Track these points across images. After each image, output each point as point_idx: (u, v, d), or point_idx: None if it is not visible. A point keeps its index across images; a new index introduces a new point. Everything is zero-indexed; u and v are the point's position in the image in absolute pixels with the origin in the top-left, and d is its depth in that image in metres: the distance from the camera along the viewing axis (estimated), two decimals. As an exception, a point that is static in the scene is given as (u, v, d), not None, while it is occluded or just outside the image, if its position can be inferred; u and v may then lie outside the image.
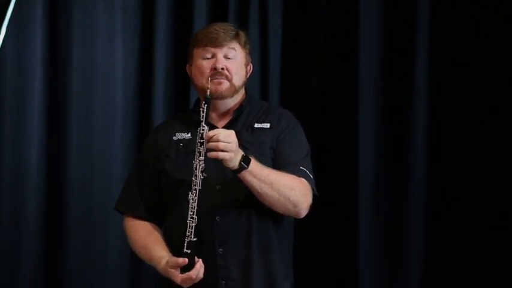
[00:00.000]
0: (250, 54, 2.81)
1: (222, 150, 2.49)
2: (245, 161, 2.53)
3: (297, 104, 3.87)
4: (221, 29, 2.73)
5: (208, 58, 2.71)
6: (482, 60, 3.76)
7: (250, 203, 2.62)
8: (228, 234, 2.63)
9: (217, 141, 2.49)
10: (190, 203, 2.55)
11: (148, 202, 2.77)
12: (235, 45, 2.73)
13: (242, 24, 3.88)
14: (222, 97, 2.71)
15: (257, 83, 3.89)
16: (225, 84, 2.70)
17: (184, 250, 2.54)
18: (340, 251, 3.88)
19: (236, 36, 2.74)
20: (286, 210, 2.64)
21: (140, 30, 3.90)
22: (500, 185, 3.73)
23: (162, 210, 2.77)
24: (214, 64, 2.69)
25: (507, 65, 3.73)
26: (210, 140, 2.50)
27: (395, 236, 3.85)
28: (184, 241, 2.54)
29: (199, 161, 2.55)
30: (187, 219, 2.55)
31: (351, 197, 3.85)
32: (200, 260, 2.55)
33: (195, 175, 2.55)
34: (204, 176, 2.55)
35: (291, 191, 2.60)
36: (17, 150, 3.74)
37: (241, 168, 2.52)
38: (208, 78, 2.68)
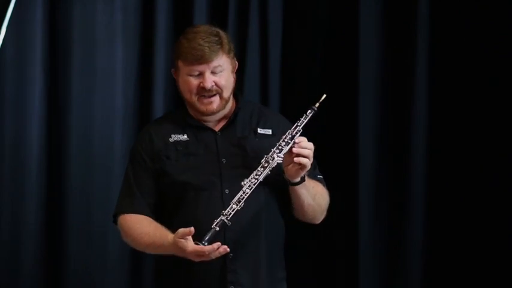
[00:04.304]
0: (235, 53, 2.73)
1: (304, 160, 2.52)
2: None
3: (297, 104, 3.87)
4: (205, 42, 2.62)
5: (195, 75, 2.65)
6: (483, 59, 3.76)
7: (259, 208, 2.64)
8: (238, 239, 2.62)
9: (306, 148, 2.53)
10: (244, 188, 2.53)
11: (148, 201, 2.72)
12: (221, 57, 2.64)
13: (242, 24, 3.88)
14: (214, 113, 2.69)
15: (257, 83, 3.89)
16: (216, 102, 2.66)
17: (213, 226, 2.51)
18: (340, 251, 3.88)
19: (221, 48, 2.64)
20: (314, 219, 2.72)
21: (140, 30, 3.89)
22: (501, 185, 3.73)
23: (157, 210, 2.72)
24: (203, 83, 2.63)
25: (507, 65, 3.73)
26: (299, 145, 2.53)
27: (395, 236, 3.85)
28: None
29: (277, 156, 2.54)
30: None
31: (351, 196, 3.85)
32: (220, 244, 2.50)
33: (263, 166, 2.54)
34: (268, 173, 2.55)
35: (323, 200, 2.68)
36: (17, 150, 3.74)
37: (301, 181, 2.57)
38: (197, 97, 2.65)
